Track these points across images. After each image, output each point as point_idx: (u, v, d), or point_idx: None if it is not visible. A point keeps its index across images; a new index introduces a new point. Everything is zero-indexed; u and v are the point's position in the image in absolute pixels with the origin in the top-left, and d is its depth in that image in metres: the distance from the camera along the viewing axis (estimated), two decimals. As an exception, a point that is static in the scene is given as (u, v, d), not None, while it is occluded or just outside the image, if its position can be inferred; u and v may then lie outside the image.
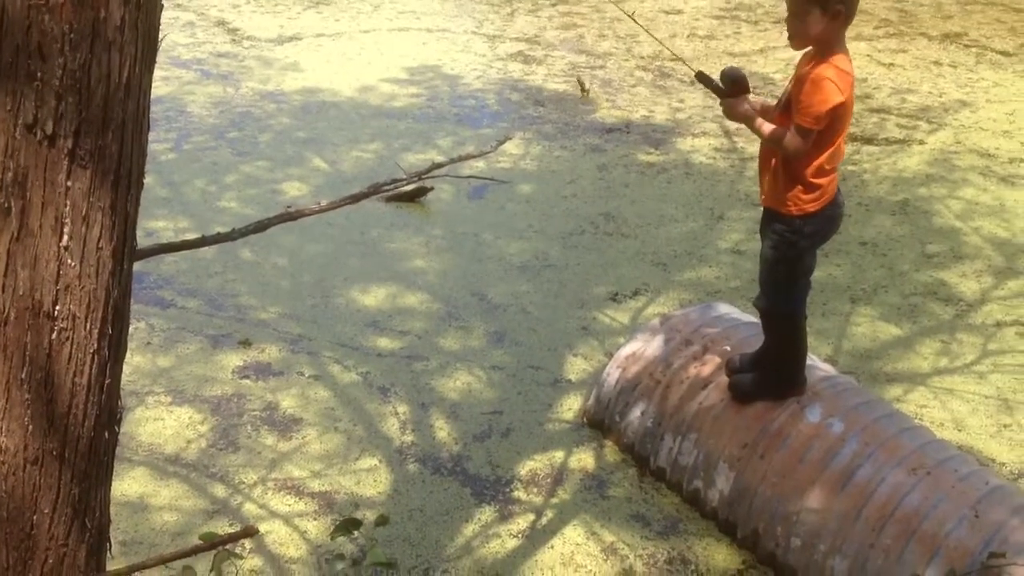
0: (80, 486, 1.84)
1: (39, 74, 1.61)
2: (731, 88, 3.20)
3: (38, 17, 1.59)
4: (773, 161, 3.22)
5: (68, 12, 1.59)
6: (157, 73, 1.81)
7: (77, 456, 1.82)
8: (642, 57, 9.08)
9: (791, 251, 3.26)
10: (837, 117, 3.07)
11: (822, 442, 3.33)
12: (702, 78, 3.25)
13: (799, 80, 3.09)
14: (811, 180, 3.14)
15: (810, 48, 3.15)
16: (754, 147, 6.92)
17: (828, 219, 3.26)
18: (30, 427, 1.76)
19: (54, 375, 1.75)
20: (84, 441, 1.82)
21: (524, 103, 7.97)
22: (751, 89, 3.27)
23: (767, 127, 3.15)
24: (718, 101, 3.27)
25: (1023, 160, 6.96)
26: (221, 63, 8.74)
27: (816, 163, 3.12)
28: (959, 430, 4.11)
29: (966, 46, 9.70)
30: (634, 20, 3.90)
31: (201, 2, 10.57)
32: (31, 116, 1.63)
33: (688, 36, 9.80)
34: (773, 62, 8.96)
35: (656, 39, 4.15)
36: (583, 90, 3.19)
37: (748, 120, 3.19)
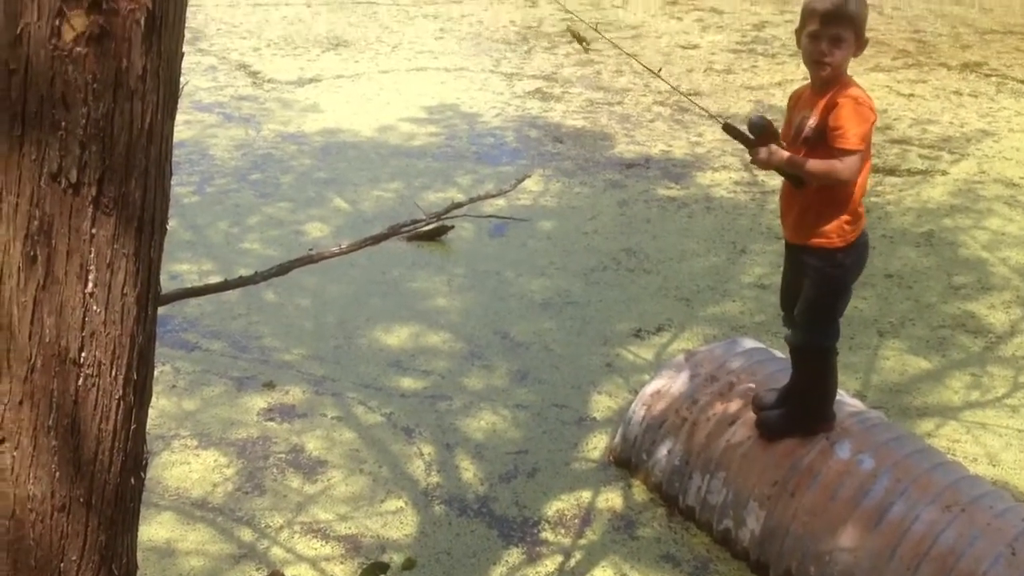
0: (107, 532, 1.84)
1: (63, 123, 1.62)
2: (759, 137, 3.10)
3: (62, 68, 1.60)
4: (803, 196, 3.17)
5: (91, 62, 1.61)
6: (179, 117, 1.82)
7: (104, 503, 1.82)
8: (659, 92, 9.10)
9: (835, 285, 3.24)
10: (870, 138, 3.09)
11: (853, 479, 3.28)
12: (729, 130, 3.15)
13: (827, 108, 3.05)
14: (857, 207, 3.13)
15: (810, 83, 3.15)
16: (775, 180, 6.90)
17: (864, 246, 3.26)
18: (57, 474, 1.76)
19: (80, 422, 1.76)
20: (111, 487, 1.82)
21: (543, 140, 7.99)
22: (778, 134, 3.16)
23: (812, 162, 3.05)
24: (747, 151, 3.14)
25: (1048, 189, 6.91)
26: (243, 106, 8.82)
27: (860, 188, 3.13)
28: (993, 465, 4.04)
29: (986, 75, 9.68)
30: (673, 86, 3.89)
31: (222, 46, 10.70)
32: (56, 165, 1.64)
33: (705, 71, 9.83)
34: (792, 95, 8.97)
35: (692, 101, 4.14)
36: (581, 41, 2.92)
37: (782, 163, 3.07)
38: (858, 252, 3.23)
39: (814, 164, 3.05)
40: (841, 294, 3.28)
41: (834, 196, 3.11)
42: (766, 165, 3.11)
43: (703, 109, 3.76)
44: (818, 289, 3.25)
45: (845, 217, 3.13)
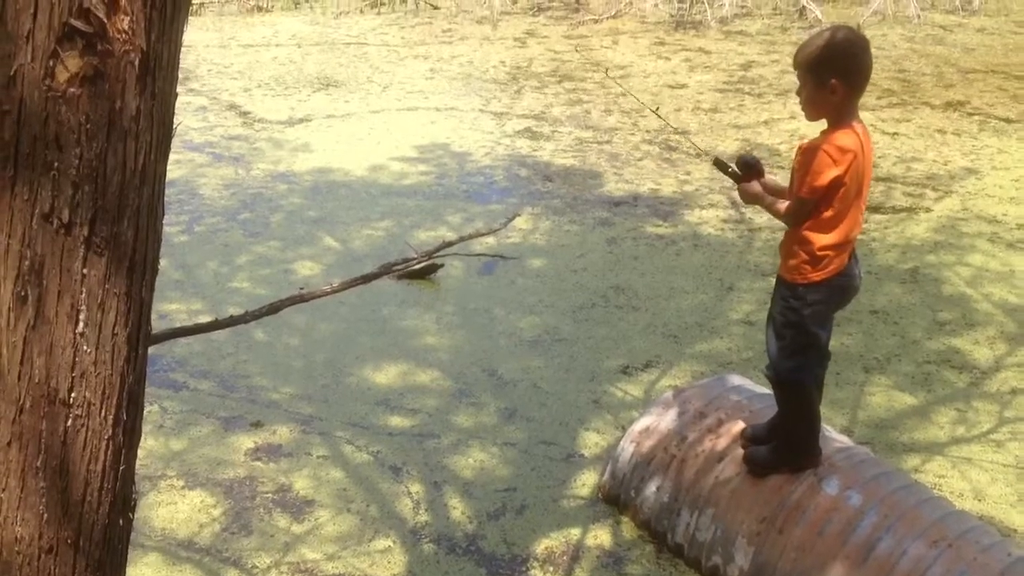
0: (94, 575, 1.83)
1: (56, 164, 1.63)
2: (746, 173, 3.33)
3: (55, 108, 1.61)
4: (786, 230, 3.30)
5: (85, 103, 1.62)
6: (170, 157, 1.83)
7: (92, 544, 1.81)
8: (648, 131, 9.17)
9: (794, 318, 3.27)
10: (835, 189, 3.09)
11: (841, 515, 3.29)
12: (719, 164, 3.40)
13: (799, 151, 3.15)
14: (818, 253, 3.16)
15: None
16: (761, 218, 6.95)
17: (836, 288, 3.26)
18: (45, 516, 1.75)
19: (69, 463, 1.75)
20: (99, 529, 1.81)
21: (532, 178, 8.04)
22: (764, 172, 3.38)
23: (773, 202, 3.28)
24: (734, 185, 3.40)
25: (1031, 226, 6.97)
26: (233, 146, 8.85)
27: (824, 236, 3.15)
28: (979, 500, 4.05)
29: (969, 114, 9.79)
30: (661, 117, 3.96)
31: (213, 87, 10.75)
32: (48, 205, 1.64)
33: (693, 110, 9.92)
34: (777, 134, 9.04)
35: (690, 141, 4.20)
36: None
37: (759, 200, 3.32)
38: (825, 293, 3.24)
39: (770, 203, 3.28)
40: (800, 329, 3.28)
41: (794, 235, 3.23)
42: (745, 199, 3.38)
43: (693, 144, 3.86)
44: (780, 318, 3.32)
45: (804, 257, 3.20)
